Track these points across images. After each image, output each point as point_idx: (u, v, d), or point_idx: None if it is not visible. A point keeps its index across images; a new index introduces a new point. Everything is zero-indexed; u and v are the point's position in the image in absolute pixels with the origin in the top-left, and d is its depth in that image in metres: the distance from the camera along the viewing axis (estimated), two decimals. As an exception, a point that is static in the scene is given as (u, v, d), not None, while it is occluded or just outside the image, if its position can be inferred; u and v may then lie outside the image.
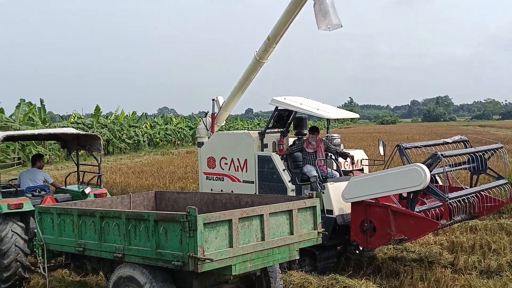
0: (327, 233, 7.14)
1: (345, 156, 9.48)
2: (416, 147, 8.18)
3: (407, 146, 8.02)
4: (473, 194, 8.24)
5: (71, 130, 9.64)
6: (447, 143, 8.57)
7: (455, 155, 8.15)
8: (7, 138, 8.95)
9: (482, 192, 8.50)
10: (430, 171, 7.39)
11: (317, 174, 8.65)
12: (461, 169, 8.69)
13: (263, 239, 5.80)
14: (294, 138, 10.05)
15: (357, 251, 9.41)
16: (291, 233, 6.14)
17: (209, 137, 10.88)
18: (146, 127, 49.03)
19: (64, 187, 9.72)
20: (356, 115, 10.70)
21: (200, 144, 10.82)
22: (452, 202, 7.66)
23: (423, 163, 7.49)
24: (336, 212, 8.28)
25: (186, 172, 22.16)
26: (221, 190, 9.70)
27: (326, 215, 8.16)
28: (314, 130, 9.43)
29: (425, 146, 8.27)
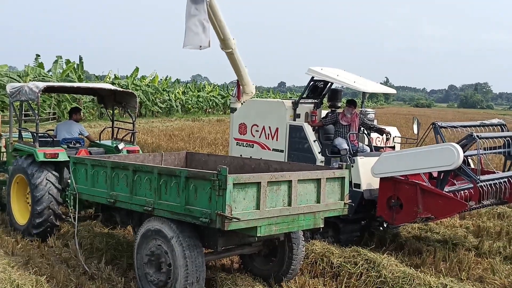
0: (353, 205, 7.16)
1: (381, 132, 9.40)
2: (452, 126, 8.06)
3: (443, 125, 7.91)
4: (505, 179, 8.11)
5: (108, 86, 9.82)
6: (484, 125, 8.41)
7: (491, 138, 8.00)
8: (47, 89, 9.18)
9: (514, 178, 8.35)
10: (464, 152, 7.29)
11: (347, 147, 8.62)
12: (495, 153, 8.55)
13: (289, 204, 5.86)
14: (327, 111, 10.01)
15: (381, 227, 9.42)
16: (318, 201, 6.18)
17: (242, 103, 10.92)
18: (179, 92, 49.40)
19: (98, 142, 9.95)
20: (393, 91, 10.55)
21: (233, 110, 10.88)
22: (483, 185, 7.56)
23: (457, 143, 7.39)
24: (363, 187, 8.27)
25: (216, 139, 22.37)
26: (250, 157, 9.77)
27: (353, 188, 8.17)
28: (351, 103, 9.36)
29: (461, 126, 8.14)
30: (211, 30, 9.24)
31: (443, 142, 7.60)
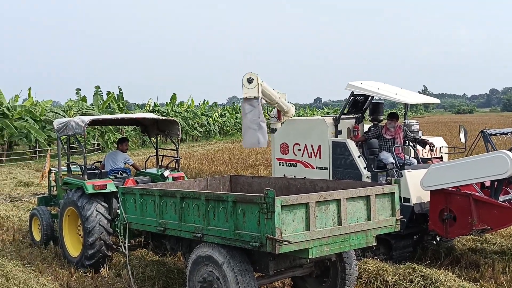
0: (404, 220, 6.97)
1: (424, 143, 9.19)
2: (502, 133, 7.80)
3: (492, 132, 7.67)
4: None
5: (151, 115, 9.99)
6: (536, 129, 8.11)
7: (545, 143, 7.70)
8: (93, 122, 9.41)
9: None
10: (517, 159, 7.02)
11: (394, 161, 8.45)
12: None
13: (340, 223, 5.75)
14: (370, 125, 9.86)
15: (435, 241, 9.15)
16: (369, 219, 6.04)
17: (282, 123, 10.90)
18: (216, 116, 49.95)
19: (144, 170, 10.11)
20: (437, 100, 10.32)
21: (274, 130, 10.87)
22: (541, 192, 7.25)
23: (510, 150, 7.13)
24: (413, 200, 8.07)
25: (257, 159, 22.39)
26: (294, 176, 9.71)
27: (403, 203, 7.96)
28: (393, 116, 9.22)
29: (512, 132, 7.87)
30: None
31: (494, 150, 7.35)
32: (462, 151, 9.04)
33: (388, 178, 6.61)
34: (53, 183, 10.97)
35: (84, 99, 33.60)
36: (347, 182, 7.20)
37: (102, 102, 34.62)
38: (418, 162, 8.92)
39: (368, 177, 8.64)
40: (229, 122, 50.66)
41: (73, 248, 9.01)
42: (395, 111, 9.63)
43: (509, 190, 7.91)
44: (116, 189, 8.20)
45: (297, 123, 10.44)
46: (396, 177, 7.75)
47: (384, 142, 9.11)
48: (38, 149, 30.16)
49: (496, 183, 7.31)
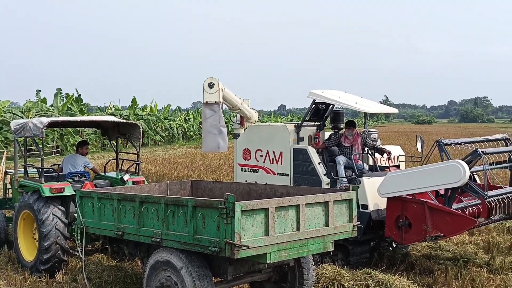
0: (361, 226, 7.12)
1: (381, 151, 9.42)
2: (456, 143, 8.07)
3: (447, 142, 7.92)
4: (512, 194, 8.07)
5: (112, 118, 9.87)
6: (488, 140, 8.42)
7: (496, 153, 7.99)
8: (51, 124, 9.22)
9: (522, 192, 8.30)
10: (470, 168, 7.28)
11: (349, 169, 8.65)
12: (501, 167, 8.52)
13: (298, 229, 5.83)
14: (330, 132, 10.03)
15: (391, 248, 9.36)
16: (326, 224, 6.15)
17: (245, 129, 10.96)
18: (180, 120, 49.63)
19: (103, 174, 9.96)
20: (395, 110, 10.60)
21: (236, 136, 10.91)
22: (491, 200, 7.52)
23: (462, 159, 7.38)
24: (370, 207, 8.24)
25: (219, 165, 22.36)
26: (256, 182, 9.76)
27: (361, 209, 8.13)
28: (351, 124, 9.43)
29: (465, 143, 8.14)
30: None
31: (449, 159, 7.59)
32: (419, 160, 9.29)
33: (346, 185, 6.74)
34: (8, 186, 10.68)
35: (44, 100, 32.84)
36: (307, 188, 7.30)
37: (62, 104, 33.94)
38: (376, 170, 9.12)
39: (327, 183, 8.78)
40: (193, 127, 50.42)
41: (28, 252, 8.78)
42: (352, 119, 9.84)
43: (462, 198, 8.18)
44: (74, 193, 8.06)
45: (260, 129, 10.52)
46: (354, 184, 7.91)
47: (343, 149, 9.31)
48: (-7, 150, 29.27)
49: (449, 191, 7.54)
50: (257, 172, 10.11)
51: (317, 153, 9.29)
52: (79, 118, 10.78)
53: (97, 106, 51.61)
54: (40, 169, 8.68)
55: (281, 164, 9.62)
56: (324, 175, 8.86)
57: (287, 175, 9.49)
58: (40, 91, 33.50)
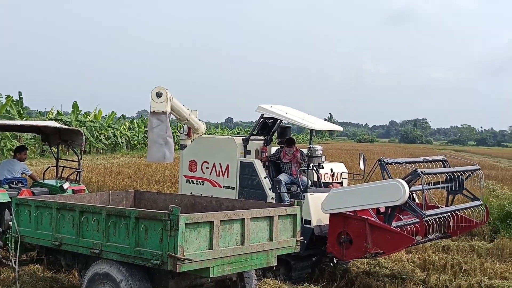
0: (304, 241, 7.19)
1: (317, 169, 9.58)
2: (397, 163, 8.32)
3: (388, 161, 8.15)
4: (448, 213, 8.40)
5: (54, 124, 9.57)
6: (427, 161, 8.73)
7: (435, 173, 8.31)
8: (-12, 127, 8.83)
9: (457, 212, 8.67)
10: (409, 187, 7.52)
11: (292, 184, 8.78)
12: (438, 187, 8.86)
13: (242, 243, 5.83)
14: (277, 147, 10.12)
15: (332, 263, 9.49)
16: (271, 239, 6.18)
17: (192, 140, 10.87)
18: (124, 128, 48.65)
19: (42, 181, 9.61)
20: (340, 128, 10.85)
21: (183, 147, 10.82)
22: (429, 219, 7.79)
23: (403, 179, 7.62)
24: (314, 223, 8.34)
25: (164, 176, 22.03)
26: (201, 194, 9.68)
27: (304, 225, 8.21)
28: (291, 142, 9.62)
29: (406, 162, 8.42)
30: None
31: (390, 178, 7.81)
32: (361, 177, 9.52)
33: (291, 200, 6.81)
34: None
35: (-20, 101, 31.41)
36: (252, 202, 7.32)
37: (0, 106, 32.53)
38: (320, 186, 9.27)
39: (273, 198, 8.83)
40: (138, 136, 49.50)
41: (-44, 261, 8.31)
42: (292, 137, 10.01)
43: (401, 216, 8.43)
44: (10, 200, 7.71)
45: (207, 141, 10.47)
46: (299, 199, 8.00)
47: (282, 165, 9.49)
48: None
49: (390, 209, 7.76)
50: (202, 185, 10.03)
51: (264, 167, 9.34)
52: (18, 122, 10.36)
53: (37, 110, 49.75)
54: (-27, 174, 8.26)
55: (227, 177, 9.60)
56: (270, 189, 8.91)
57: (233, 188, 9.47)
58: (-23, 92, 32.03)
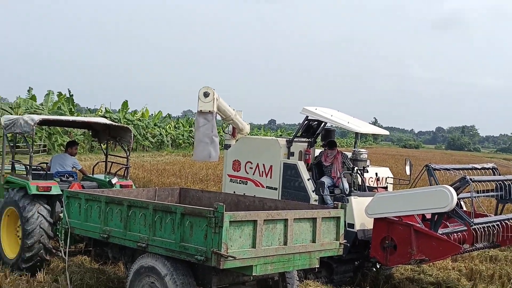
0: (348, 245, 7.14)
1: (362, 172, 9.47)
2: (445, 169, 8.15)
3: (436, 167, 7.99)
4: (497, 222, 8.15)
5: (103, 120, 9.84)
6: (476, 168, 8.51)
7: (484, 181, 8.08)
8: (42, 122, 9.17)
9: (506, 221, 8.40)
10: (457, 194, 7.35)
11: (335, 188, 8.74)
12: (488, 196, 8.61)
13: (285, 243, 5.83)
14: (321, 150, 10.08)
15: (374, 268, 9.37)
16: (313, 241, 6.15)
17: (236, 140, 10.97)
18: (170, 127, 49.50)
19: (91, 176, 9.90)
20: (386, 132, 10.70)
21: (227, 146, 10.93)
22: (477, 227, 7.59)
23: (451, 185, 7.45)
24: (357, 227, 8.27)
25: (207, 175, 22.31)
26: (244, 194, 9.75)
27: (347, 228, 8.15)
28: (333, 144, 9.57)
29: (454, 169, 8.23)
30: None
31: (437, 184, 7.66)
32: (407, 183, 9.36)
33: (335, 203, 6.77)
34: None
35: (34, 98, 32.62)
36: (295, 203, 7.32)
37: (52, 103, 33.72)
38: (364, 190, 9.17)
39: (315, 200, 8.81)
40: (183, 135, 50.26)
41: (10, 249, 8.66)
42: (334, 140, 9.95)
43: (448, 224, 8.24)
44: (61, 192, 7.99)
45: (251, 141, 10.54)
46: (343, 203, 7.94)
47: (325, 168, 9.44)
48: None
49: (436, 216, 7.60)
50: (246, 184, 10.11)
51: (307, 169, 9.33)
52: (70, 118, 10.73)
53: (87, 107, 51.27)
54: (28, 166, 8.60)
55: (271, 177, 9.64)
56: (313, 191, 8.89)
57: (275, 189, 9.50)
58: (32, 88, 33.32)
